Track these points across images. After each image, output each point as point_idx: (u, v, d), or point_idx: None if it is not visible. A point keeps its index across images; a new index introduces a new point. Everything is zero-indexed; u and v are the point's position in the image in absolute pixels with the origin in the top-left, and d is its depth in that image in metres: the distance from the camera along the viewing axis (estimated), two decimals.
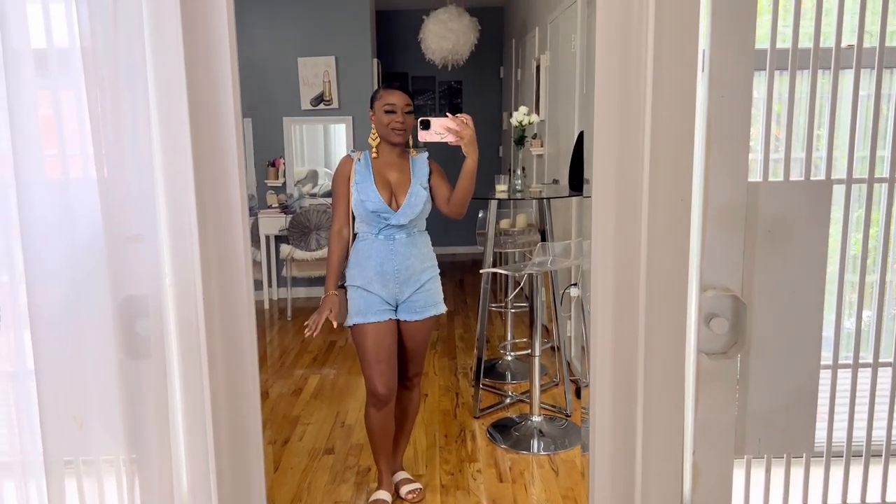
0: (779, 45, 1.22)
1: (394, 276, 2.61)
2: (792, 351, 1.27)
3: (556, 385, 4.04)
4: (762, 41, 1.21)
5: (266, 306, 6.06)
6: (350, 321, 2.63)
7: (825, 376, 1.30)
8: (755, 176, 1.24)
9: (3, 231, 1.18)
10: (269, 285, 6.11)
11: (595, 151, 1.22)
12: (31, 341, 1.14)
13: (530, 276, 3.53)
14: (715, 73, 1.19)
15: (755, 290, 1.25)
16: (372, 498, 2.80)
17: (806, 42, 1.23)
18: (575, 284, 3.94)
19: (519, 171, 3.93)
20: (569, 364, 3.86)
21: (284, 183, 6.21)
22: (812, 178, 1.26)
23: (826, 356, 1.30)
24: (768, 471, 1.33)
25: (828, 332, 1.29)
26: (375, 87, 6.00)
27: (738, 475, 1.32)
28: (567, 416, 3.63)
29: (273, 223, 5.86)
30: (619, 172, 1.21)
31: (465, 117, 2.44)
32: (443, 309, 2.74)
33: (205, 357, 1.22)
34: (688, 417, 1.28)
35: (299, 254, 5.57)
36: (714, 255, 1.23)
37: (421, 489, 2.90)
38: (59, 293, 1.15)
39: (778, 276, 1.25)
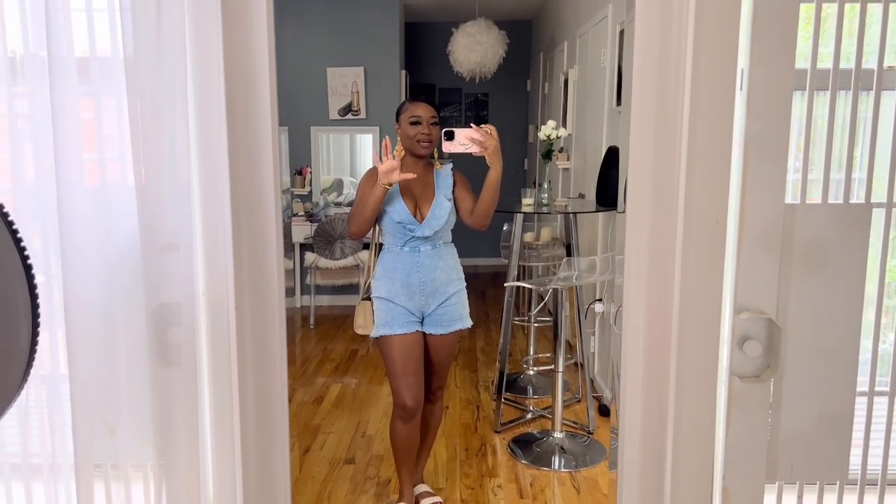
0: (819, 64, 1.20)
1: (420, 289, 2.61)
2: (827, 376, 1.25)
3: (579, 401, 4.01)
4: (802, 60, 1.20)
5: (289, 314, 6.09)
6: (376, 332, 2.62)
7: (860, 402, 1.28)
8: (792, 198, 1.22)
9: (40, 234, 1.20)
10: (294, 293, 6.15)
11: (630, 169, 1.21)
12: (66, 345, 1.15)
13: (555, 290, 3.51)
14: (753, 92, 1.18)
15: (790, 314, 1.23)
16: None
17: (847, 62, 1.21)
18: (600, 300, 3.92)
19: (545, 185, 3.92)
20: (592, 381, 3.83)
21: (311, 191, 6.25)
22: (851, 202, 1.24)
23: (862, 381, 1.27)
24: (800, 497, 1.31)
25: (864, 356, 1.26)
26: (403, 97, 6.03)
27: (769, 501, 1.30)
28: (589, 433, 3.60)
29: (299, 231, 5.90)
30: (654, 190, 1.20)
31: (489, 128, 2.43)
32: (469, 323, 2.73)
33: (235, 366, 1.23)
34: (718, 441, 1.26)
35: (324, 262, 5.60)
36: (749, 277, 1.21)
37: (441, 502, 2.88)
38: (94, 298, 1.16)
39: (814, 299, 1.23)
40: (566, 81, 5.23)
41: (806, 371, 1.24)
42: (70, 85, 1.12)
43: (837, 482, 1.30)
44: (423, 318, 2.67)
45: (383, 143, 2.47)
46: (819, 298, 1.23)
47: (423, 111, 2.57)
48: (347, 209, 5.99)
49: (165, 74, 1.14)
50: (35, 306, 0.82)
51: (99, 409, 1.20)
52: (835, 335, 1.23)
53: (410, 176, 2.47)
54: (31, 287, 0.79)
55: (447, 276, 2.65)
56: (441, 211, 2.60)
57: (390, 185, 2.46)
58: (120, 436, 1.22)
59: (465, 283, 2.72)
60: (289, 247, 5.87)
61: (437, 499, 2.89)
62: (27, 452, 1.29)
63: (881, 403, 1.30)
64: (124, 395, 1.21)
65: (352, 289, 6.04)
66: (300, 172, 6.22)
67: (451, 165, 2.70)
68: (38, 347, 0.88)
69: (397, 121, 2.64)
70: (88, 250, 1.14)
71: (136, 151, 1.14)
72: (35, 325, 0.84)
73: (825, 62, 1.21)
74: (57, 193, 1.11)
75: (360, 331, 2.70)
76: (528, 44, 7.73)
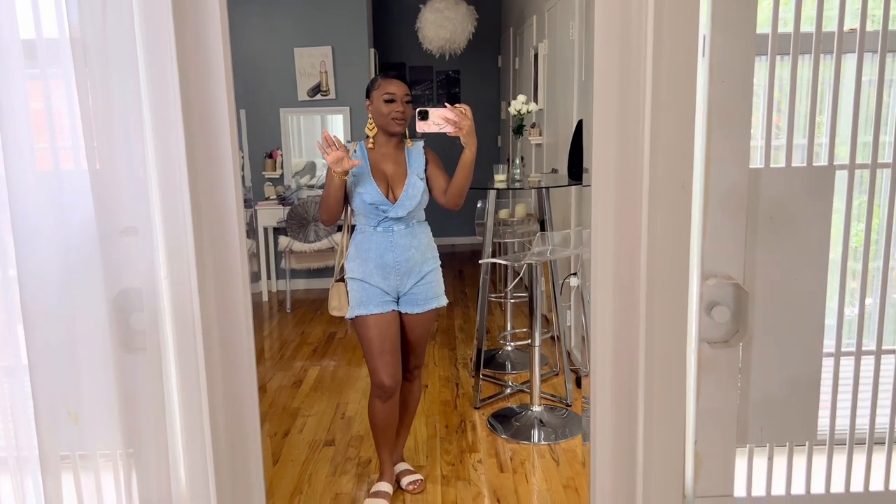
0: (780, 29, 1.20)
1: (394, 269, 2.59)
2: (794, 339, 1.26)
3: (557, 375, 4.04)
4: (763, 26, 1.19)
5: (265, 298, 6.05)
6: (351, 313, 2.61)
7: (828, 364, 1.29)
8: (757, 163, 1.22)
9: None
10: (269, 277, 6.11)
11: (594, 138, 1.20)
12: (24, 336, 1.12)
13: (530, 266, 3.51)
14: (716, 58, 1.17)
15: (757, 278, 1.24)
16: (373, 489, 2.80)
17: (808, 26, 1.21)
18: (574, 274, 3.93)
19: (518, 161, 3.91)
20: (569, 354, 3.86)
21: (282, 174, 6.18)
22: (814, 165, 1.24)
23: (828, 344, 1.29)
24: (770, 459, 1.32)
25: (830, 319, 1.27)
26: (373, 77, 5.97)
27: (741, 464, 1.31)
28: (567, 405, 3.63)
29: (271, 215, 5.85)
30: (619, 159, 1.20)
31: (463, 107, 2.40)
32: (444, 301, 2.72)
33: (201, 350, 1.21)
34: (689, 407, 1.27)
35: (298, 246, 5.56)
36: (715, 243, 1.22)
37: (422, 480, 2.90)
38: (51, 287, 1.13)
39: (780, 263, 1.24)
40: (536, 56, 5.20)
41: (774, 335, 1.25)
42: (14, 68, 1.08)
43: (807, 443, 1.32)
44: (398, 298, 2.65)
45: (322, 136, 2.41)
46: (785, 262, 1.23)
47: (396, 88, 2.53)
48: (320, 191, 5.94)
49: (114, 55, 1.11)
50: None
51: (62, 400, 1.17)
52: (801, 298, 1.25)
53: (357, 163, 2.43)
54: None
55: (422, 254, 2.63)
56: (414, 191, 2.57)
57: (345, 173, 2.43)
58: (86, 425, 1.20)
59: (439, 262, 2.71)
60: (251, 230, 5.81)
61: (418, 476, 2.90)
62: None
63: (847, 364, 1.31)
64: (88, 384, 1.18)
65: (327, 271, 6.01)
66: (271, 155, 6.15)
67: (422, 143, 2.67)
68: None
69: (368, 97, 2.59)
70: (43, 237, 1.11)
71: (88, 135, 1.11)
72: None
73: (786, 27, 1.21)
74: (6, 180, 1.08)
75: (334, 312, 2.69)
76: (497, 19, 7.68)
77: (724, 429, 1.28)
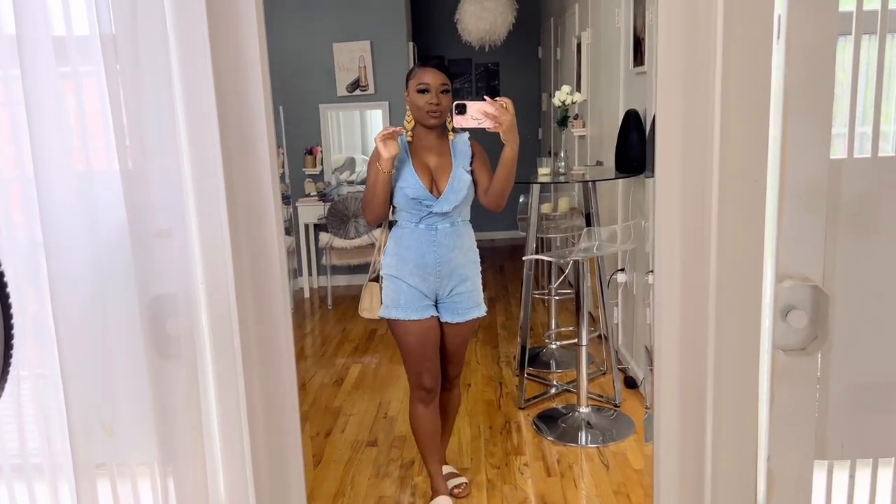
0: (866, 5, 1.09)
1: (435, 270, 2.47)
2: (879, 346, 1.15)
3: (604, 374, 3.92)
4: (846, 2, 1.08)
5: (307, 295, 6.04)
6: (388, 314, 2.49)
7: None
8: (838, 153, 1.11)
9: (27, 227, 1.12)
10: (310, 274, 6.09)
11: (659, 128, 1.11)
12: (56, 343, 1.08)
13: (575, 262, 3.41)
14: (793, 39, 1.06)
15: (838, 280, 1.13)
16: None
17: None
18: (622, 270, 3.82)
19: (561, 154, 3.80)
20: (616, 353, 3.74)
21: (322, 171, 6.16)
22: None
23: None
24: (852, 476, 1.21)
25: None
26: None
27: (819, 480, 1.21)
28: (616, 406, 3.52)
29: (311, 211, 5.83)
30: (685, 151, 1.10)
31: (504, 101, 2.26)
32: (484, 310, 2.59)
33: (239, 356, 1.16)
34: (762, 419, 1.17)
35: (338, 242, 5.53)
36: (792, 242, 1.11)
37: (467, 484, 2.82)
38: (83, 292, 1.08)
39: (864, 263, 1.13)
40: (579, 45, 5.07)
41: (856, 341, 1.14)
42: (44, 65, 1.03)
43: (893, 457, 1.21)
44: (436, 301, 2.54)
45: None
46: (869, 262, 1.13)
47: (431, 78, 2.38)
48: (360, 187, 5.91)
49: (145, 52, 1.05)
50: (7, 317, 0.75)
51: (96, 408, 1.13)
52: (888, 302, 1.14)
53: (395, 151, 2.31)
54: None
55: (464, 256, 2.50)
56: (459, 184, 2.43)
57: (391, 164, 2.32)
58: (120, 434, 1.16)
59: (480, 266, 2.60)
60: (291, 226, 5.80)
61: (463, 479, 2.83)
62: (25, 452, 1.23)
63: None
64: (122, 393, 1.13)
65: (368, 268, 5.96)
66: (311, 152, 6.13)
67: (467, 135, 2.51)
68: (14, 351, 0.81)
69: (406, 88, 2.46)
70: (75, 241, 1.06)
71: (120, 134, 1.06)
72: (8, 335, 0.77)
73: (873, 3, 1.09)
74: (36, 180, 1.03)
75: (364, 314, 2.57)
76: (537, 9, 7.54)
77: (801, 443, 1.18)
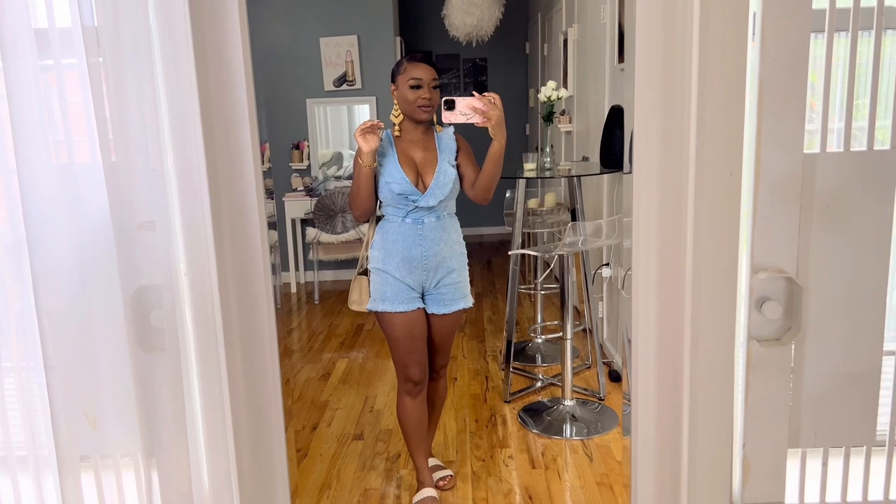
0: (838, 4, 1.11)
1: (422, 263, 2.49)
2: (852, 336, 1.18)
3: (589, 368, 3.95)
4: (820, 1, 1.10)
5: (293, 290, 6.04)
6: (375, 307, 2.52)
7: (888, 363, 1.20)
8: (812, 147, 1.13)
9: (10, 221, 1.12)
10: (296, 269, 6.09)
11: (637, 123, 1.13)
12: (39, 335, 1.08)
13: (561, 257, 3.43)
14: (767, 36, 1.09)
15: (811, 272, 1.15)
16: (418, 497, 2.67)
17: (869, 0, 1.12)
18: (607, 264, 3.85)
19: (547, 149, 3.82)
20: (601, 346, 3.77)
21: (309, 166, 6.15)
22: (875, 149, 1.15)
23: (888, 339, 1.20)
24: (825, 463, 1.24)
25: (891, 315, 1.19)
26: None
27: (792, 468, 1.23)
28: (600, 399, 3.55)
29: (298, 206, 5.82)
30: (663, 145, 1.12)
31: (492, 96, 2.28)
32: (471, 302, 2.62)
33: (222, 348, 1.16)
34: (737, 408, 1.19)
35: (325, 237, 5.53)
36: (766, 234, 1.13)
37: (452, 476, 2.84)
38: (67, 284, 1.09)
39: (837, 255, 1.15)
40: (566, 41, 5.09)
41: (829, 331, 1.17)
42: (25, 58, 1.03)
43: (864, 446, 1.23)
44: (423, 294, 2.56)
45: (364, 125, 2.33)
46: (842, 254, 1.15)
47: (423, 73, 2.40)
48: (347, 182, 5.91)
49: (128, 44, 1.06)
50: None
51: (80, 399, 1.13)
52: (859, 292, 1.16)
53: (375, 143, 2.32)
54: None
55: (451, 249, 2.53)
56: (445, 178, 2.45)
57: (372, 158, 2.34)
58: (104, 426, 1.16)
59: (466, 259, 2.63)
60: (275, 221, 5.79)
61: (448, 472, 2.85)
62: (9, 445, 1.23)
63: None
64: (106, 384, 1.14)
65: (355, 263, 5.95)
66: (297, 146, 6.12)
67: (452, 129, 2.54)
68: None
69: (393, 82, 2.47)
70: (57, 234, 1.07)
71: (102, 127, 1.06)
72: None
73: (845, 1, 1.11)
74: (18, 173, 1.03)
75: (354, 307, 2.62)
76: (524, 5, 7.56)
77: (775, 431, 1.20)
